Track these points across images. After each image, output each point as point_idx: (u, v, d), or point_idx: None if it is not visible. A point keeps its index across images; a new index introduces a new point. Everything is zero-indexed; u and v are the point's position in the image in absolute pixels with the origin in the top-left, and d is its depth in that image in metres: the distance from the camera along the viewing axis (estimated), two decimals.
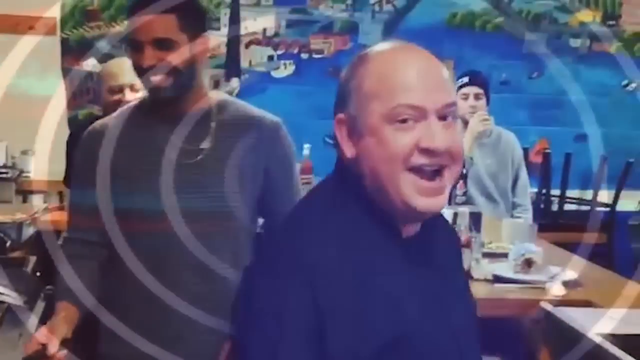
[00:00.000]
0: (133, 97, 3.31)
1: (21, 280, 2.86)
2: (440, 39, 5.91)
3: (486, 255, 3.17)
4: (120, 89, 3.60)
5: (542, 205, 5.91)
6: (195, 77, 2.34)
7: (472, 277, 2.93)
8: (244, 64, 5.87)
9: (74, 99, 5.39)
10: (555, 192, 6.10)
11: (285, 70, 5.94)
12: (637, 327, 2.25)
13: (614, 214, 5.99)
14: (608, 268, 3.45)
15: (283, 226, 1.63)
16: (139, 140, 2.37)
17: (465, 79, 4.47)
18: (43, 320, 2.51)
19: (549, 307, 2.44)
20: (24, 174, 4.41)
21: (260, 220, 2.53)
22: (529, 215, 4.51)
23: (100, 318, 2.41)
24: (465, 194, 4.11)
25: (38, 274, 3.14)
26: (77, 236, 2.47)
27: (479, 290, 2.80)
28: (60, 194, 4.68)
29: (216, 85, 5.72)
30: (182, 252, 2.33)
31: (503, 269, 3.02)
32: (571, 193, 6.21)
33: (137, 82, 3.13)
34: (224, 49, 5.80)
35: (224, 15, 5.82)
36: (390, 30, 6.06)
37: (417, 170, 1.47)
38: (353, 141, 1.52)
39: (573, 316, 2.31)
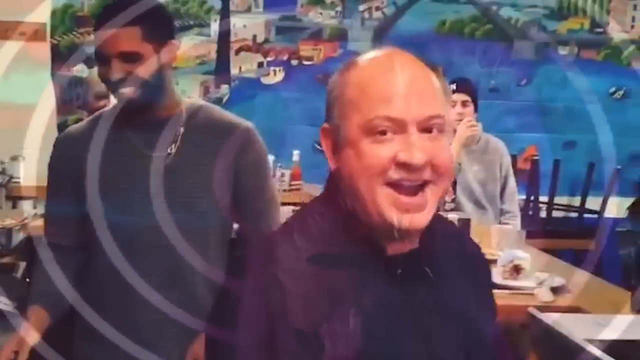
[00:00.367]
0: None
1: (11, 286, 2.86)
2: (429, 46, 5.93)
3: None
4: (106, 95, 3.61)
5: (530, 212, 5.92)
6: (165, 85, 2.34)
7: None
8: (233, 70, 5.88)
9: (64, 105, 5.38)
10: (544, 198, 6.12)
11: (275, 76, 5.95)
12: (625, 333, 2.26)
13: (602, 220, 6.01)
14: (596, 274, 3.47)
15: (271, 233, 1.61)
16: (109, 147, 2.37)
17: (453, 87, 4.49)
18: None
19: (537, 313, 2.44)
20: (14, 180, 4.40)
21: (236, 226, 2.53)
22: (517, 221, 4.53)
23: (76, 320, 2.42)
24: (453, 200, 4.14)
25: (28, 279, 3.14)
26: (53, 241, 2.47)
27: None
28: None
29: (206, 91, 5.73)
30: (151, 258, 2.34)
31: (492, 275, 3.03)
32: (559, 200, 6.23)
33: None
34: (213, 56, 5.80)
35: (214, 21, 5.82)
36: (379, 37, 6.08)
37: (395, 185, 1.40)
38: (336, 153, 1.46)
39: (561, 322, 2.32)
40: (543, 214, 6.15)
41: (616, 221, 6.20)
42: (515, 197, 4.63)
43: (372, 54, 1.48)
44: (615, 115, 6.38)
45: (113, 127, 2.38)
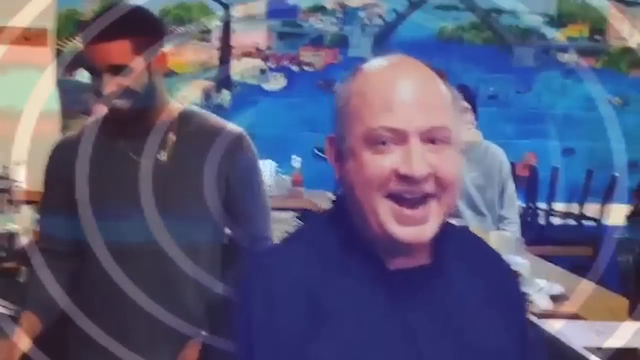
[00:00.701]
0: None
1: (14, 291, 2.87)
2: (429, 53, 5.90)
3: None
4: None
5: (529, 219, 5.95)
6: (156, 94, 2.35)
7: None
8: (235, 76, 5.91)
9: (67, 110, 5.41)
10: (542, 205, 6.14)
11: (276, 82, 5.97)
12: (623, 341, 2.28)
13: (600, 227, 6.03)
14: (594, 281, 3.48)
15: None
16: (100, 154, 2.39)
17: None
18: None
19: (536, 320, 2.46)
20: (16, 185, 4.42)
21: (228, 231, 2.54)
22: (516, 228, 4.54)
23: (68, 326, 2.44)
24: None
25: None
26: (46, 246, 2.49)
27: None
28: None
29: (207, 97, 5.74)
30: (142, 264, 2.35)
31: None
32: (558, 207, 6.25)
33: None
34: (215, 61, 5.82)
35: (216, 27, 5.85)
36: (380, 43, 6.10)
37: (397, 197, 1.34)
38: (339, 163, 1.40)
39: (560, 329, 2.34)
40: (542, 221, 6.17)
41: (615, 228, 6.24)
42: (514, 204, 4.64)
43: (377, 61, 1.42)
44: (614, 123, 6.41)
45: (104, 135, 2.39)
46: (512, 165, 4.91)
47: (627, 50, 6.56)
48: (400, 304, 1.37)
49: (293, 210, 4.94)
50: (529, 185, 6.05)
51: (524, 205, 5.87)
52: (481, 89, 6.04)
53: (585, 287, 3.28)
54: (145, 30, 2.31)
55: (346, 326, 1.34)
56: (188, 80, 5.72)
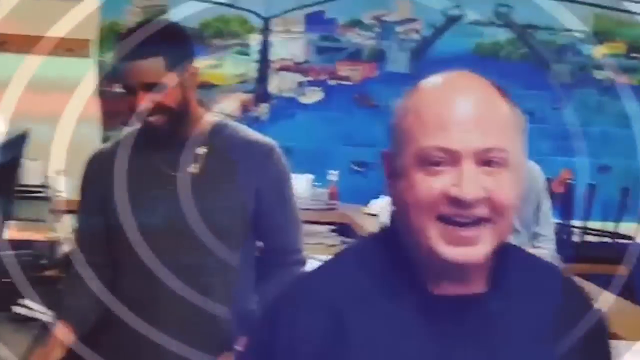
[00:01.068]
0: None
1: (55, 299, 2.91)
2: (466, 68, 5.94)
3: None
4: None
5: (564, 236, 5.92)
6: (189, 108, 2.39)
7: None
8: (272, 89, 5.95)
9: (108, 120, 5.47)
10: (578, 223, 6.12)
11: (313, 96, 6.00)
12: None
13: (636, 245, 5.99)
14: (630, 300, 3.47)
15: None
16: (133, 168, 2.42)
17: None
18: None
19: None
20: (57, 194, 4.48)
21: (260, 244, 2.56)
22: (551, 245, 4.52)
23: (101, 337, 2.47)
24: None
25: None
26: (82, 257, 2.53)
27: None
28: None
29: (245, 110, 5.78)
30: (173, 277, 2.38)
31: None
32: (593, 224, 6.22)
33: None
34: (253, 74, 5.87)
35: (255, 40, 5.90)
36: (417, 58, 6.12)
37: (447, 219, 1.28)
38: (392, 180, 1.35)
39: None
40: (577, 239, 6.14)
41: None
42: (550, 221, 4.63)
43: (435, 78, 1.36)
44: None
45: (136, 148, 2.43)
46: (548, 181, 4.89)
47: None
48: (441, 331, 1.30)
49: (329, 224, 4.97)
50: (564, 203, 6.03)
51: (559, 222, 5.85)
52: (518, 105, 6.01)
53: (622, 305, 3.27)
54: (178, 46, 2.35)
55: (380, 352, 1.29)
56: (226, 93, 5.76)
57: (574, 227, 6.09)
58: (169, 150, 2.40)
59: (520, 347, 1.32)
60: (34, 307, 2.96)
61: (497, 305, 1.34)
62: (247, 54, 5.83)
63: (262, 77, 5.83)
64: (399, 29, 6.15)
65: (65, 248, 3.69)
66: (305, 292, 1.38)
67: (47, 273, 3.57)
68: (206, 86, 5.43)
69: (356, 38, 6.07)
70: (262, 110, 5.80)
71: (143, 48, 2.27)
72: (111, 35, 5.34)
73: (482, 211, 1.28)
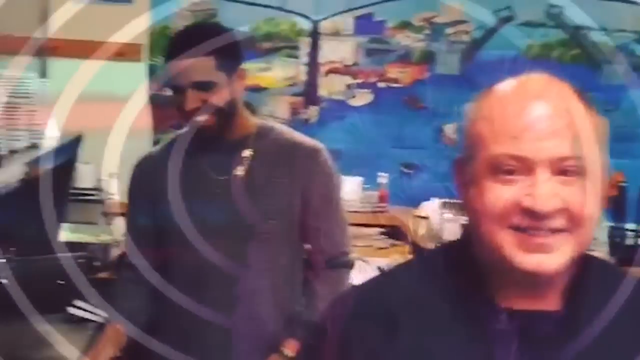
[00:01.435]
0: None
1: (108, 301, 2.95)
2: (517, 70, 5.89)
3: None
4: None
5: (617, 239, 5.85)
6: (237, 110, 2.41)
7: None
8: (322, 92, 5.94)
9: (159, 124, 5.51)
10: (631, 226, 6.04)
11: (362, 98, 5.99)
12: None
13: None
14: None
15: None
16: (182, 171, 2.44)
17: None
18: None
19: None
20: (109, 197, 4.53)
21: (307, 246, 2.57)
22: (603, 249, 4.48)
23: (148, 342, 2.49)
24: None
25: None
26: (131, 261, 2.55)
27: None
28: None
29: (294, 112, 5.79)
30: (219, 279, 2.38)
31: None
32: None
33: None
34: (303, 77, 5.88)
35: (304, 43, 5.90)
36: (467, 60, 6.08)
37: (520, 229, 1.23)
38: (463, 186, 1.31)
39: None
40: (630, 242, 6.06)
41: None
42: (601, 224, 4.59)
43: (510, 82, 1.33)
44: None
45: (185, 152, 2.45)
46: None
47: None
48: (506, 346, 1.24)
49: (379, 226, 4.96)
50: (616, 205, 5.95)
51: (612, 225, 5.78)
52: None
53: None
54: (227, 47, 2.38)
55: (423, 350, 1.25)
56: (276, 96, 5.77)
57: (627, 230, 6.01)
58: (216, 153, 2.41)
59: None
60: (87, 309, 3.00)
61: (573, 325, 1.25)
62: (296, 57, 5.83)
63: (312, 80, 5.83)
64: (448, 30, 6.11)
65: (118, 250, 3.74)
66: (363, 299, 1.34)
67: (100, 275, 3.62)
68: (255, 89, 5.45)
69: (405, 40, 6.05)
70: (312, 113, 5.80)
71: (193, 48, 2.29)
72: (161, 40, 5.37)
73: (557, 223, 1.23)
